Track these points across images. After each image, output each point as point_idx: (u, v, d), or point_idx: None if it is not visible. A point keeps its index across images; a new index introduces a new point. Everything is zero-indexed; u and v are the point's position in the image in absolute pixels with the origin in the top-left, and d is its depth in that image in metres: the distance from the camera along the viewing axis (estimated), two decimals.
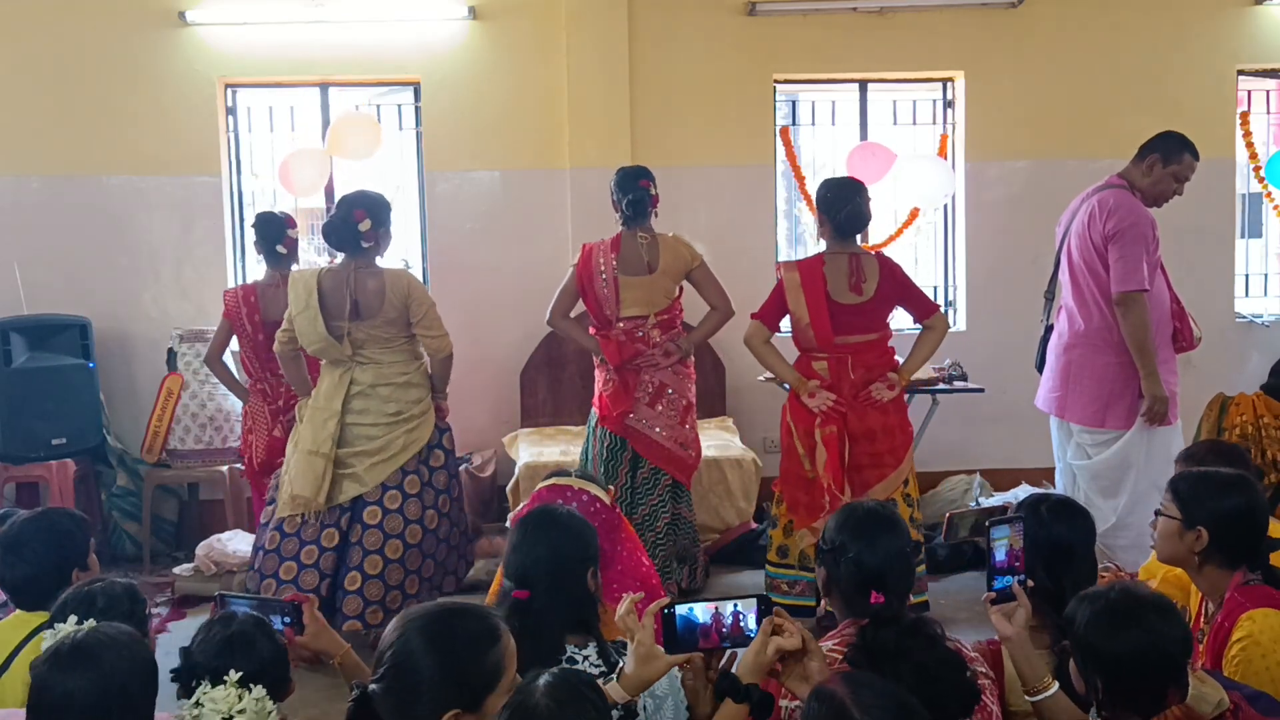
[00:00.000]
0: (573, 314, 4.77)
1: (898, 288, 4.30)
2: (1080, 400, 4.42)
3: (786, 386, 4.61)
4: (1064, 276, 4.53)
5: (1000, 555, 2.41)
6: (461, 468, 5.43)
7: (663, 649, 2.09)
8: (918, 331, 4.43)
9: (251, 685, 2.13)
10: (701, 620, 2.11)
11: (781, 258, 6.49)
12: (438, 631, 1.89)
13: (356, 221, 4.20)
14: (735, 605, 2.13)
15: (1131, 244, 4.20)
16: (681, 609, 2.12)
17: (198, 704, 2.11)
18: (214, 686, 2.12)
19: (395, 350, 4.26)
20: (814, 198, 4.39)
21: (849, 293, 4.23)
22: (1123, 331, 4.25)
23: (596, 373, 4.75)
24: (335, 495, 4.18)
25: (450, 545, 4.41)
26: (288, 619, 2.45)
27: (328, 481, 4.15)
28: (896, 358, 4.38)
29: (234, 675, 2.12)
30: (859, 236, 4.39)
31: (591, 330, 4.71)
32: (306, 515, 4.18)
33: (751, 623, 2.12)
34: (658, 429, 4.59)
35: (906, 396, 4.57)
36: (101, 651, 2.00)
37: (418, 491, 4.26)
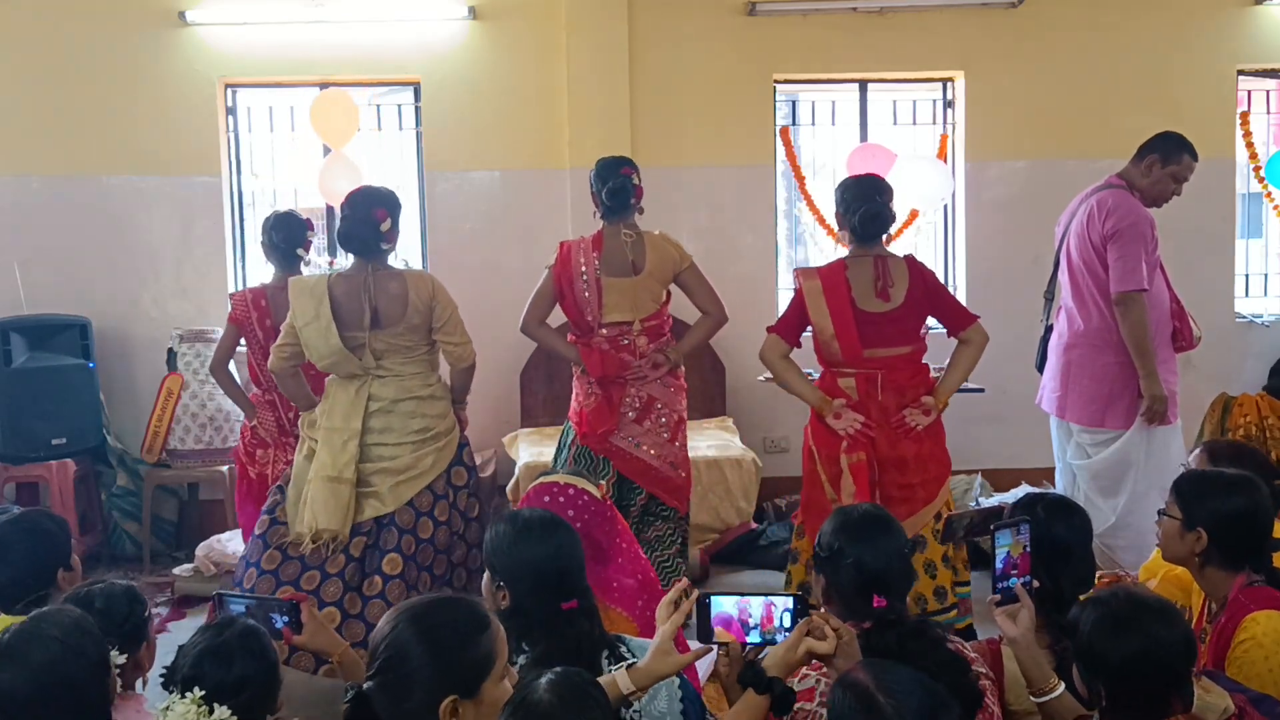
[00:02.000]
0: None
1: (929, 294, 3.87)
2: (1080, 400, 4.42)
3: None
4: (1063, 277, 4.54)
5: (999, 564, 2.40)
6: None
7: (694, 641, 2.15)
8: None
9: (216, 705, 2.08)
10: (738, 612, 2.15)
11: (781, 258, 6.49)
12: (429, 623, 1.90)
13: (379, 222, 3.82)
14: (770, 600, 2.17)
15: (1130, 244, 4.21)
16: (720, 600, 2.16)
17: (166, 709, 2.10)
18: (182, 697, 2.09)
19: (417, 361, 3.90)
20: (835, 200, 3.99)
21: (875, 299, 3.81)
22: (1122, 331, 4.25)
23: (575, 383, 4.35)
24: (354, 515, 3.78)
25: (459, 565, 4.00)
26: (286, 618, 2.45)
27: (352, 509, 3.75)
28: (933, 375, 3.98)
29: (196, 693, 2.08)
30: (884, 238, 3.98)
31: (571, 338, 4.31)
32: (330, 547, 3.74)
33: (787, 620, 2.14)
34: (645, 447, 4.19)
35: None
36: (30, 648, 1.98)
37: (447, 519, 3.88)
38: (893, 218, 3.93)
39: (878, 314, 3.81)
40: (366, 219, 3.81)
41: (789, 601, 2.17)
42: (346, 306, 3.78)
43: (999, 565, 2.39)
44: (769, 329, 3.99)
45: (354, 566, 3.72)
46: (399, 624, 1.90)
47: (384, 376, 3.84)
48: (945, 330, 3.98)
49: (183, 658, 2.18)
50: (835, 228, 4.14)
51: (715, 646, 2.18)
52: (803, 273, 3.97)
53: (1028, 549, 2.44)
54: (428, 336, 3.90)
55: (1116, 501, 4.38)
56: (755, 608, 2.17)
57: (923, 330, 3.93)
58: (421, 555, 3.78)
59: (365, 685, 1.91)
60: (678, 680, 2.25)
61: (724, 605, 2.17)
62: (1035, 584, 2.44)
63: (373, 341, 3.80)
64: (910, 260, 3.92)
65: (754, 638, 2.17)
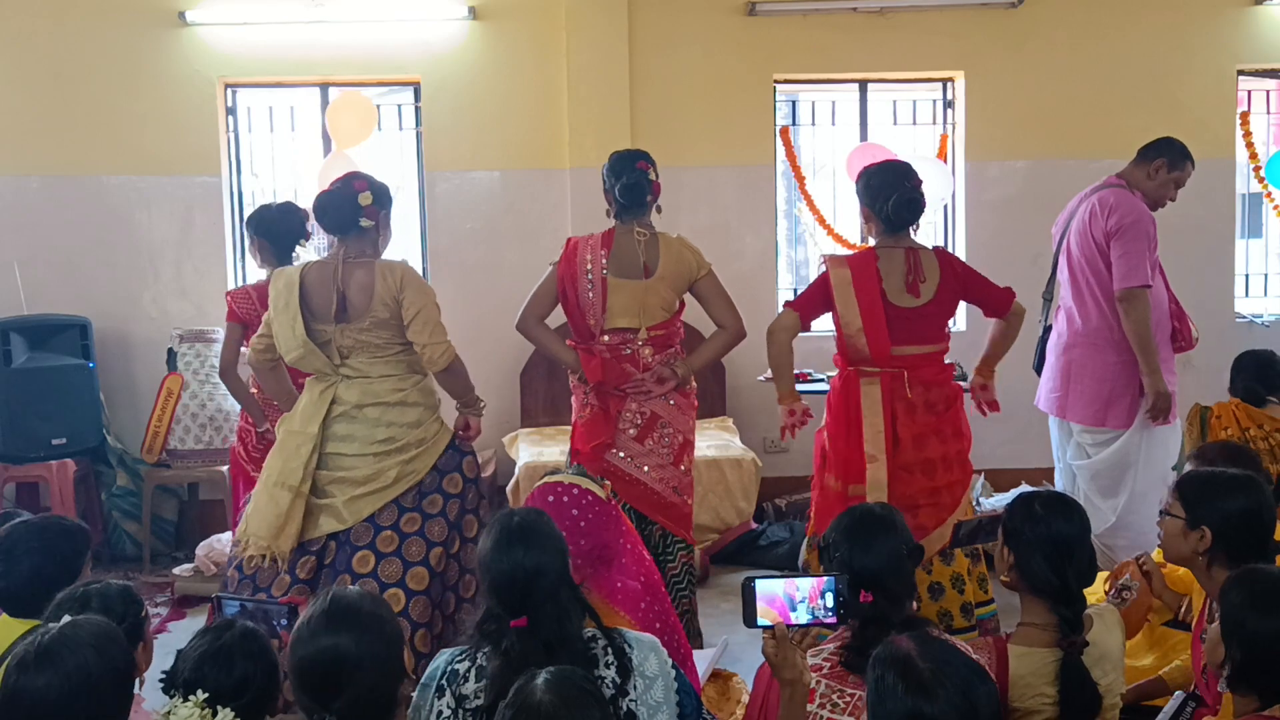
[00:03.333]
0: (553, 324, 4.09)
1: (961, 283, 3.65)
2: (1081, 399, 4.43)
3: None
4: (1063, 276, 4.55)
5: None
6: None
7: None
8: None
9: (219, 707, 2.08)
10: (781, 593, 2.21)
11: (781, 258, 6.48)
12: (366, 623, 2.02)
13: (356, 193, 3.46)
14: (818, 579, 2.23)
15: (1134, 241, 4.23)
16: (765, 582, 2.22)
17: (168, 714, 2.10)
18: (185, 700, 2.09)
19: (389, 361, 3.49)
20: (857, 190, 3.77)
21: (905, 294, 3.59)
22: (1125, 328, 4.26)
23: (573, 397, 4.03)
24: (307, 530, 3.42)
25: (449, 588, 3.57)
26: (284, 621, 2.44)
27: (295, 522, 3.38)
28: (959, 381, 3.81)
29: (200, 695, 2.08)
30: (913, 228, 3.73)
31: (570, 343, 3.99)
32: (264, 560, 3.41)
33: (830, 600, 2.21)
34: (645, 468, 3.83)
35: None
36: (66, 653, 2.00)
37: (418, 529, 3.46)
38: (924, 204, 3.69)
39: (908, 309, 3.60)
40: (344, 189, 3.50)
41: (830, 582, 2.22)
42: (316, 296, 3.45)
43: None
44: (786, 304, 3.79)
45: (300, 589, 3.34)
46: (328, 636, 2.00)
47: (351, 378, 3.47)
48: (983, 312, 3.81)
49: (183, 662, 2.17)
50: (861, 219, 3.90)
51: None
52: (831, 260, 3.71)
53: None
54: (401, 333, 3.47)
55: (1116, 501, 4.39)
56: (803, 586, 2.22)
57: (948, 326, 3.74)
58: (385, 570, 3.38)
59: None
60: (673, 672, 2.26)
61: (769, 586, 2.22)
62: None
63: (338, 337, 3.45)
64: (940, 252, 3.73)
65: (800, 615, 2.22)
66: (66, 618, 2.26)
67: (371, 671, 2.02)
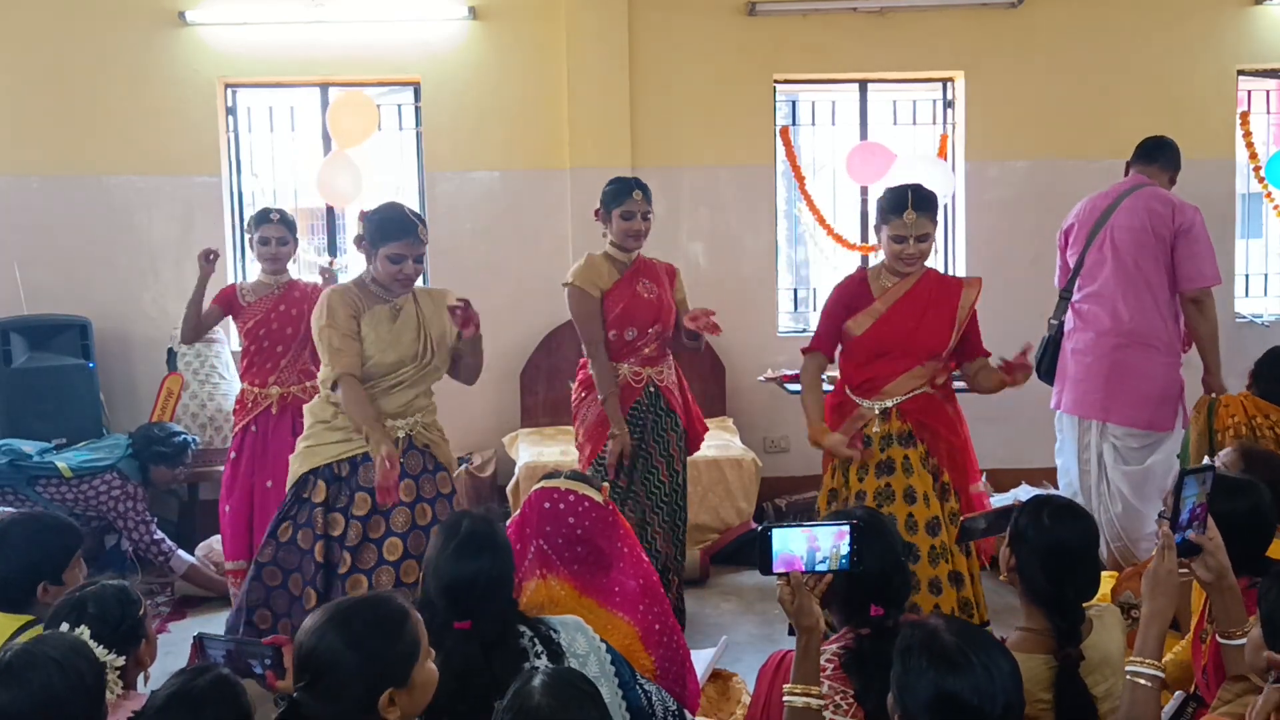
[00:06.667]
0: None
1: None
2: (1128, 402, 4.34)
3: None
4: (1104, 273, 4.41)
5: (1185, 515, 2.27)
6: (462, 467, 5.40)
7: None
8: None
9: None
10: (797, 542, 2.24)
11: (781, 258, 6.48)
12: (354, 628, 1.95)
13: None
14: (839, 528, 2.26)
15: (1202, 240, 4.25)
16: (783, 533, 2.24)
17: None
18: None
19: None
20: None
21: None
22: (1197, 327, 4.27)
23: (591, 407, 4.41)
24: None
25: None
26: (268, 661, 2.40)
27: None
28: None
29: None
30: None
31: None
32: None
33: (845, 549, 2.25)
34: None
35: None
36: (30, 670, 2.01)
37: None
38: None
39: None
40: None
41: (848, 530, 2.25)
42: None
43: (1184, 516, 2.27)
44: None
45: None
46: (324, 633, 1.94)
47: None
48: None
49: (152, 701, 2.11)
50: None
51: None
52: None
53: (1208, 499, 2.30)
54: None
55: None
56: (820, 534, 2.25)
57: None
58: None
59: (295, 694, 1.94)
60: (604, 645, 2.31)
61: (788, 540, 2.23)
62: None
63: None
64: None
65: (817, 564, 2.24)
66: (65, 625, 2.26)
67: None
